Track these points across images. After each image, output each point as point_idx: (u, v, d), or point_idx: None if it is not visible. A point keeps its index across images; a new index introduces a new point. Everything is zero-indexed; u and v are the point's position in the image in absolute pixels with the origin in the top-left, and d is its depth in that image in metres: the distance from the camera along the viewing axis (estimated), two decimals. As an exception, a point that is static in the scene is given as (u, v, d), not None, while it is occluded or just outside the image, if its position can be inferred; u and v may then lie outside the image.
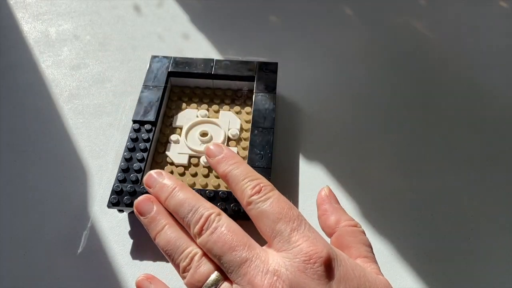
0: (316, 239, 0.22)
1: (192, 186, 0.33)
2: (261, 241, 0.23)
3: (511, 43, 0.47)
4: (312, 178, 0.36)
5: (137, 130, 0.35)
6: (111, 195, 0.31)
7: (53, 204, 0.34)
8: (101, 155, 0.37)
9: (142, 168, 0.33)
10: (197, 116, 0.37)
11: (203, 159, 0.35)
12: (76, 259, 0.31)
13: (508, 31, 0.48)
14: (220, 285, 0.21)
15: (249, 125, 0.37)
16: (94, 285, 0.30)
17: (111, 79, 0.42)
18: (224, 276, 0.22)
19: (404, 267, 0.31)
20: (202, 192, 0.31)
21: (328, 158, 0.37)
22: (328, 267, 0.21)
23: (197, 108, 0.38)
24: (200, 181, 0.34)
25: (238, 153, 0.35)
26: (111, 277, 0.30)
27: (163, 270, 0.30)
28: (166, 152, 0.35)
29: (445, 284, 0.31)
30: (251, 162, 0.33)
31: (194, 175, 0.34)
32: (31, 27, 0.47)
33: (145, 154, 0.33)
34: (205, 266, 0.22)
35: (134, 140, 0.34)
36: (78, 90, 0.41)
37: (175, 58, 0.39)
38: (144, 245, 0.32)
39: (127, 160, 0.33)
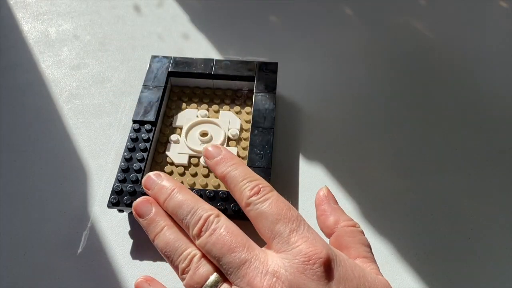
0: (316, 240, 0.22)
1: (192, 186, 0.33)
2: (260, 242, 0.23)
3: (511, 43, 0.47)
4: (312, 178, 0.36)
5: (137, 130, 0.35)
6: (111, 195, 0.31)
7: (53, 204, 0.34)
8: (101, 155, 0.37)
9: (142, 168, 0.33)
10: (197, 116, 0.37)
11: (203, 159, 0.35)
12: (76, 259, 0.31)
13: (508, 31, 0.48)
14: (219, 287, 0.21)
15: (249, 125, 0.37)
16: (94, 285, 0.30)
17: (111, 79, 0.42)
18: (224, 277, 0.22)
19: (404, 267, 0.31)
20: (202, 192, 0.31)
21: (328, 158, 0.37)
22: (328, 268, 0.21)
23: (197, 108, 0.38)
24: (200, 181, 0.34)
25: (238, 153, 0.35)
26: (111, 277, 0.30)
27: (163, 270, 0.30)
28: (166, 152, 0.35)
29: (445, 284, 0.31)
30: (251, 162, 0.33)
31: (194, 175, 0.34)
32: (31, 27, 0.47)
33: (145, 154, 0.33)
34: (204, 267, 0.22)
35: (134, 140, 0.34)
36: (78, 90, 0.41)
37: (175, 58, 0.39)
38: (144, 245, 0.32)
39: (127, 160, 0.33)
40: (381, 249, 0.32)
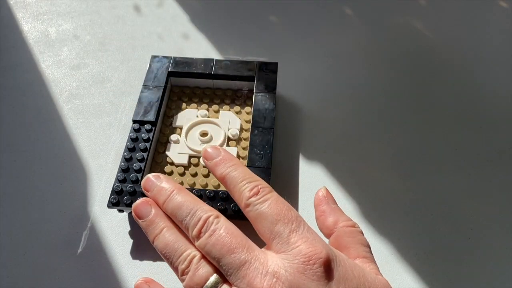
0: (315, 240, 0.22)
1: (192, 186, 0.33)
2: (260, 243, 0.23)
3: (511, 43, 0.47)
4: (312, 178, 0.36)
5: (137, 130, 0.35)
6: (111, 195, 0.31)
7: (53, 204, 0.34)
8: (101, 155, 0.37)
9: (142, 168, 0.33)
10: (197, 116, 0.37)
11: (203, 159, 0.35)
12: (76, 259, 0.31)
13: (508, 31, 0.48)
14: (219, 288, 0.21)
15: (249, 125, 0.37)
16: (94, 285, 0.30)
17: (111, 79, 0.42)
18: (223, 278, 0.22)
19: (404, 267, 0.31)
20: (202, 192, 0.31)
21: (328, 158, 0.37)
22: (327, 268, 0.21)
23: (197, 108, 0.38)
24: (200, 181, 0.34)
25: (238, 153, 0.35)
26: (111, 277, 0.30)
27: (163, 270, 0.31)
28: (166, 152, 0.35)
29: (445, 284, 0.31)
30: (251, 162, 0.33)
31: (194, 175, 0.34)
32: (31, 27, 0.47)
33: (145, 154, 0.33)
34: (204, 268, 0.22)
35: (134, 140, 0.34)
36: (78, 90, 0.41)
37: (175, 58, 0.39)
38: (144, 245, 0.32)
39: (127, 160, 0.33)
40: (381, 249, 0.32)
